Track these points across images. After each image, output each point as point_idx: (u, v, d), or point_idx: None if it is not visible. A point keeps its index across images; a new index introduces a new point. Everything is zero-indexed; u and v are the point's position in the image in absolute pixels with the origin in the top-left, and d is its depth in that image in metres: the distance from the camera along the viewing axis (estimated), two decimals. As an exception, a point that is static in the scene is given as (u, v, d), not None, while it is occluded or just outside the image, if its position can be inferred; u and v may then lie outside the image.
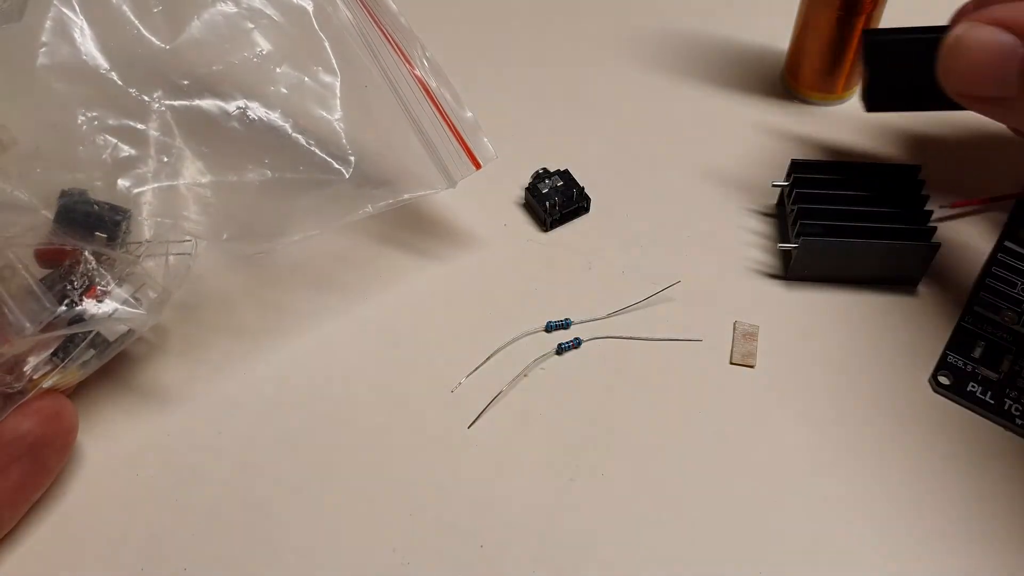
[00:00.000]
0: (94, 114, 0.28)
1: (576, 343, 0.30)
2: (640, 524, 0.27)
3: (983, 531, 0.26)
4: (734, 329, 0.31)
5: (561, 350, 0.30)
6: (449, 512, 0.27)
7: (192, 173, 0.29)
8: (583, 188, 0.34)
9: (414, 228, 0.34)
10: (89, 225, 0.27)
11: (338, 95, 0.31)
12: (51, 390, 0.26)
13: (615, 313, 0.31)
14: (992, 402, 0.29)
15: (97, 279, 0.26)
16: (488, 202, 0.35)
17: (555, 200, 0.33)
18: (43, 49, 0.28)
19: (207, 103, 0.29)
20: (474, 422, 0.29)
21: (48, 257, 0.27)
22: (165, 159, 0.28)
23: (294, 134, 0.30)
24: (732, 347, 0.30)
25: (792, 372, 0.30)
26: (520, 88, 0.39)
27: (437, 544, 0.26)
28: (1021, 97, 0.21)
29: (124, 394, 0.29)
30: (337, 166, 0.30)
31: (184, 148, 0.29)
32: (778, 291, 0.32)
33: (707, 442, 0.28)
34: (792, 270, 0.32)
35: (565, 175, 0.34)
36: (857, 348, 0.30)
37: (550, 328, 0.31)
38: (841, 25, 0.35)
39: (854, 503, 0.27)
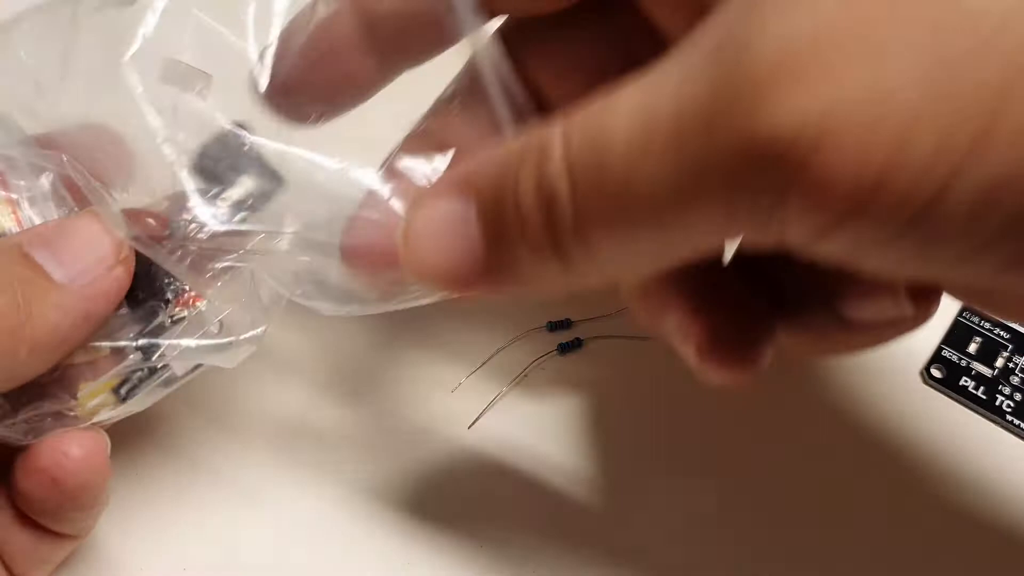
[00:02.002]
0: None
1: (577, 343, 0.30)
2: (641, 524, 0.27)
3: (972, 524, 0.27)
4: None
5: (563, 350, 0.30)
6: (449, 512, 0.27)
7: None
8: (582, 185, 0.34)
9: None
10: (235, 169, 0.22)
11: None
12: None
13: (617, 312, 0.31)
14: (984, 397, 0.29)
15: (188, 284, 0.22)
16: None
17: (554, 198, 0.33)
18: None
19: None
20: (474, 422, 0.29)
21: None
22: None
23: None
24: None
25: (787, 364, 0.30)
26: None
27: (437, 544, 0.26)
28: (498, 261, 0.17)
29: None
30: None
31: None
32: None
33: (708, 441, 0.28)
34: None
35: (564, 172, 0.34)
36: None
37: (551, 328, 0.31)
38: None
39: (838, 491, 0.27)
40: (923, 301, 0.19)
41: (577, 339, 0.31)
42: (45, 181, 0.22)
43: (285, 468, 0.28)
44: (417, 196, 0.18)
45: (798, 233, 0.14)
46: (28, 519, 0.22)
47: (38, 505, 0.22)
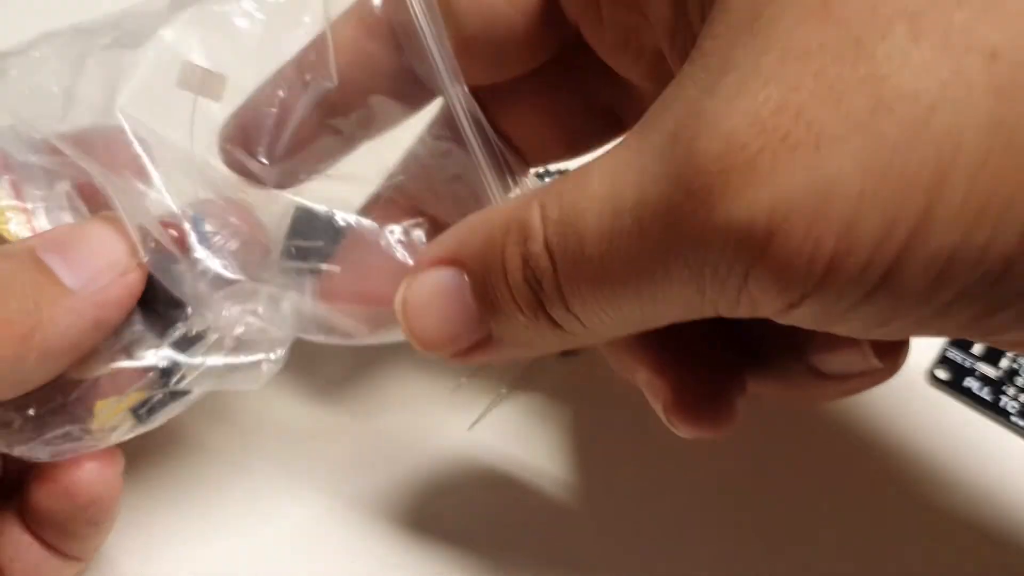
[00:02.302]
0: None
1: None
2: (641, 526, 0.27)
3: (977, 526, 0.27)
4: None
5: (562, 351, 0.30)
6: (450, 513, 0.27)
7: None
8: (583, 186, 0.34)
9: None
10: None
11: None
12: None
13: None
14: (989, 399, 0.29)
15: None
16: (488, 200, 0.35)
17: (555, 198, 0.33)
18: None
19: None
20: (475, 423, 0.29)
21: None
22: None
23: None
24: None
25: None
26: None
27: (437, 544, 0.26)
28: (494, 329, 0.19)
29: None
30: None
31: None
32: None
33: (708, 443, 0.27)
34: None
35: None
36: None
37: (551, 328, 0.31)
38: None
39: (841, 493, 0.27)
40: (891, 354, 0.20)
41: None
42: (60, 190, 0.22)
43: (285, 470, 0.28)
44: (411, 268, 0.20)
45: (767, 309, 0.15)
46: (36, 537, 0.22)
47: (49, 518, 0.22)
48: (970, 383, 0.29)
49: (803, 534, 0.27)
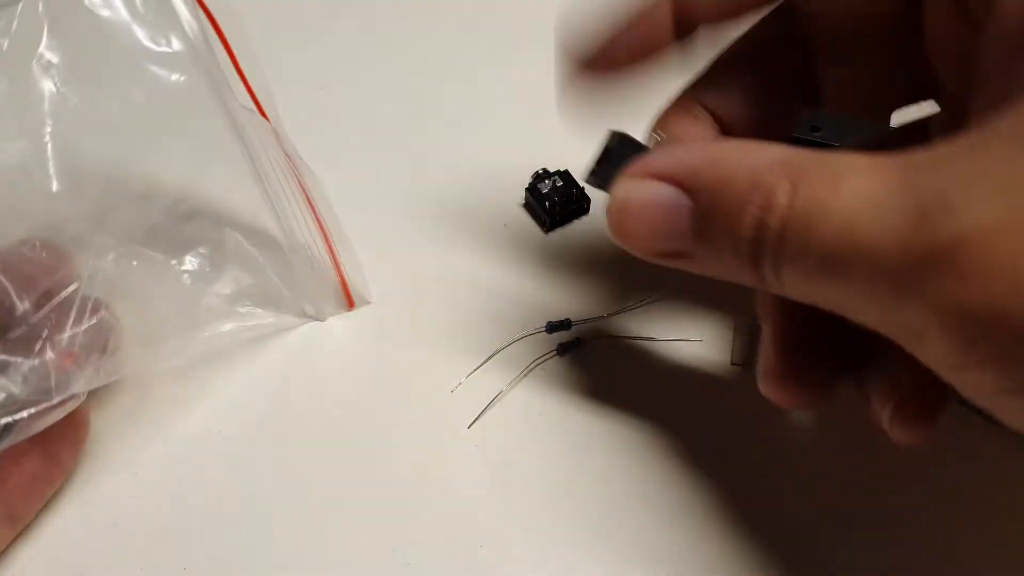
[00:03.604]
0: None
1: (577, 343, 0.30)
2: (641, 522, 0.27)
3: (983, 532, 0.26)
4: (734, 330, 0.31)
5: (562, 350, 0.30)
6: (449, 512, 0.27)
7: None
8: (583, 188, 0.34)
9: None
10: None
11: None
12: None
13: (616, 313, 0.31)
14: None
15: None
16: (488, 202, 0.35)
17: (555, 200, 0.33)
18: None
19: None
20: (474, 422, 0.29)
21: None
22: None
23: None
24: (732, 347, 0.30)
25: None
26: (521, 87, 0.39)
27: (437, 544, 0.26)
28: (697, 251, 0.20)
29: (121, 393, 0.29)
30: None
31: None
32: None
33: (709, 441, 0.28)
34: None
35: (565, 175, 0.34)
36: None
37: (551, 328, 0.31)
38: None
39: (845, 495, 0.27)
40: (922, 422, 0.22)
41: (577, 339, 0.31)
42: None
43: (284, 468, 0.28)
44: (632, 170, 0.21)
45: (946, 368, 0.17)
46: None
47: None
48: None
49: (804, 535, 0.26)
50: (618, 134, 0.24)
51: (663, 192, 0.20)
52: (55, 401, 0.24)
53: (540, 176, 0.34)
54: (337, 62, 0.41)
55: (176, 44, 0.28)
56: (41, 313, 0.25)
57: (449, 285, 0.32)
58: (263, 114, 0.29)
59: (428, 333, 0.31)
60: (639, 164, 0.21)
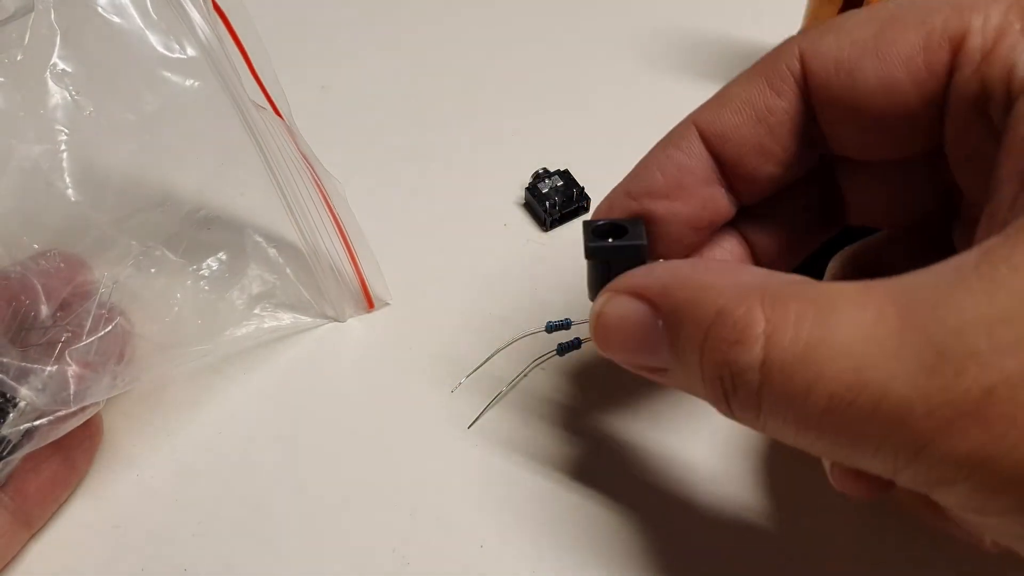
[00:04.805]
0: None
1: (577, 343, 0.30)
2: (641, 522, 0.27)
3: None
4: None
5: (562, 350, 0.30)
6: (449, 512, 0.27)
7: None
8: (583, 188, 0.34)
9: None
10: None
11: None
12: None
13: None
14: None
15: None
16: (488, 202, 0.35)
17: (555, 200, 0.34)
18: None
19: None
20: (474, 422, 0.29)
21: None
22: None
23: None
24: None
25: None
26: (521, 88, 0.40)
27: (437, 544, 0.27)
28: (674, 370, 0.19)
29: (130, 394, 0.30)
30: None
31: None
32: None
33: (708, 440, 0.28)
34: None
35: (565, 175, 0.35)
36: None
37: (550, 328, 0.31)
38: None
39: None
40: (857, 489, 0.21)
41: (577, 339, 0.30)
42: None
43: (284, 468, 0.28)
44: (611, 285, 0.21)
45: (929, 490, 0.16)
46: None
47: None
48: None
49: (805, 535, 0.26)
50: (590, 224, 0.24)
51: (634, 309, 0.20)
52: (74, 409, 0.25)
53: (540, 176, 0.35)
54: (338, 62, 0.41)
55: (190, 50, 0.28)
56: (60, 323, 0.26)
57: (448, 285, 0.33)
58: (277, 113, 0.30)
59: (428, 333, 0.31)
60: (619, 279, 0.21)
